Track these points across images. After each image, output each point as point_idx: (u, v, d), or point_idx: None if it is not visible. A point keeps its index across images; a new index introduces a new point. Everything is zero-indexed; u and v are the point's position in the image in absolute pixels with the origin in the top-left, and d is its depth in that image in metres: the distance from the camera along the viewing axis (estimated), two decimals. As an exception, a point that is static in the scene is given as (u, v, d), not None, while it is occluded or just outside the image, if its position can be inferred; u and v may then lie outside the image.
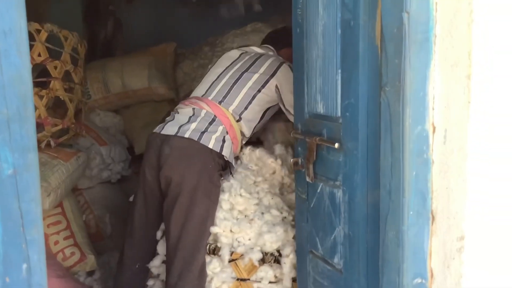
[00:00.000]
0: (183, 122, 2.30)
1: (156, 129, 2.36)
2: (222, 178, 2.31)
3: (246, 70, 2.47)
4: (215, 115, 2.32)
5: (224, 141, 2.28)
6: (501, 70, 1.42)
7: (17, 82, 0.96)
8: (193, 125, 2.27)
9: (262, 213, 2.27)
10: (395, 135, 1.48)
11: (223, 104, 2.37)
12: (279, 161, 2.44)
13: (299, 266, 2.09)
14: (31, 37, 3.23)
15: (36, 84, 3.22)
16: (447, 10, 1.41)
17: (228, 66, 2.52)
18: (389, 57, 1.47)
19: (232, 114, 2.36)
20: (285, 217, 2.29)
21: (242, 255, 2.21)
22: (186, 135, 2.23)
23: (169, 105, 4.04)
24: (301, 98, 1.95)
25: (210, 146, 2.22)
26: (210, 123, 2.30)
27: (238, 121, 2.37)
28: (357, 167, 1.65)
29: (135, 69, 4.07)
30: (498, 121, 1.44)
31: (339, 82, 1.71)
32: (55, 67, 3.30)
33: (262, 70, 2.46)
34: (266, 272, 2.20)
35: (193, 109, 2.36)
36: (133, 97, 4.10)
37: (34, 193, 1.01)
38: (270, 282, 2.23)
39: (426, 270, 1.53)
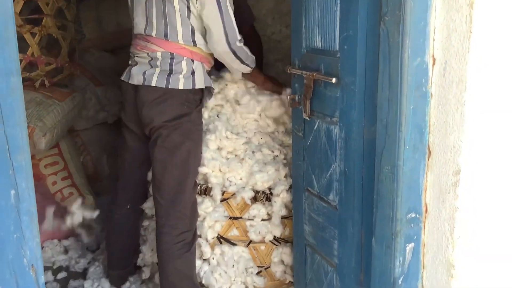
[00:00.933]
0: (146, 68, 2.20)
1: (124, 77, 2.27)
2: (203, 106, 2.27)
3: None
4: (171, 53, 2.18)
5: (193, 73, 2.17)
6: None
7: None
8: (156, 70, 2.17)
9: (253, 152, 2.25)
10: (394, 67, 1.44)
11: (170, 37, 2.18)
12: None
13: (294, 203, 2.09)
14: (23, -26, 3.12)
15: (28, 21, 3.15)
16: None
17: None
18: (390, -15, 1.41)
19: (185, 44, 2.19)
20: (277, 156, 2.27)
21: (233, 194, 2.21)
22: (153, 83, 2.15)
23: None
24: (299, 32, 1.89)
25: (181, 87, 2.14)
26: (171, 64, 2.17)
27: (195, 46, 2.20)
28: (354, 102, 1.62)
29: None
30: (499, 53, 1.39)
31: (337, 13, 1.66)
32: (47, 4, 3.21)
33: None
34: (259, 210, 2.22)
35: (148, 53, 2.22)
36: (128, 36, 4.01)
37: (19, 118, 0.98)
38: (262, 220, 2.24)
39: (421, 205, 1.53)
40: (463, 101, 1.42)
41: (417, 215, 1.53)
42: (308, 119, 1.86)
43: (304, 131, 1.93)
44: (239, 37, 2.16)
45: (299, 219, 2.05)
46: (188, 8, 2.13)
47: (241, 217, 2.26)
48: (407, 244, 1.52)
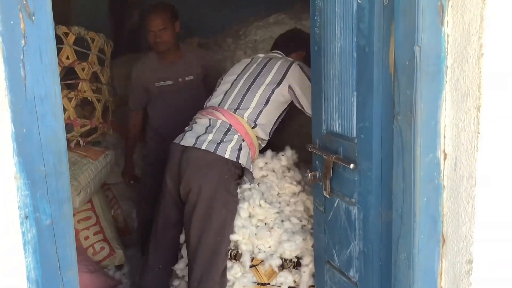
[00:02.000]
0: (201, 133, 2.39)
1: (176, 140, 2.46)
2: (240, 185, 2.40)
3: (258, 75, 2.53)
4: (230, 124, 2.41)
5: (240, 149, 2.36)
6: (511, 103, 1.46)
7: (53, 142, 1.06)
8: (209, 136, 2.36)
9: (282, 221, 2.36)
10: (407, 162, 1.54)
11: (238, 111, 2.45)
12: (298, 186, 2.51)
13: (317, 274, 2.18)
14: (59, 41, 3.34)
15: (64, 86, 3.35)
16: (458, 43, 1.45)
17: (240, 74, 2.60)
18: (401, 87, 1.53)
19: (247, 122, 2.43)
20: (304, 225, 2.37)
21: (262, 261, 2.31)
22: (203, 147, 2.33)
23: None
24: (319, 114, 2.01)
25: (226, 156, 2.30)
26: (226, 133, 2.38)
27: (253, 127, 2.45)
28: (371, 187, 1.72)
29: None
30: (506, 152, 1.48)
31: (354, 104, 1.77)
32: (83, 69, 3.40)
33: (273, 72, 2.52)
34: (286, 278, 2.31)
35: (209, 119, 2.45)
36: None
37: (69, 240, 1.12)
38: (289, 287, 2.33)
39: (437, 290, 1.60)
40: (473, 195, 1.50)
41: (433, 299, 1.60)
42: (328, 196, 1.97)
43: (324, 207, 2.03)
44: None
45: (321, 289, 2.13)
46: (272, 92, 2.47)
47: (268, 283, 2.35)
48: (424, 328, 1.59)
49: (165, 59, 3.26)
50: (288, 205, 2.42)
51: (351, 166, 1.77)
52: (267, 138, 2.53)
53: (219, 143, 2.34)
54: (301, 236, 2.31)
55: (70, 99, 3.33)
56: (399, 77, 1.54)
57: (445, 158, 1.53)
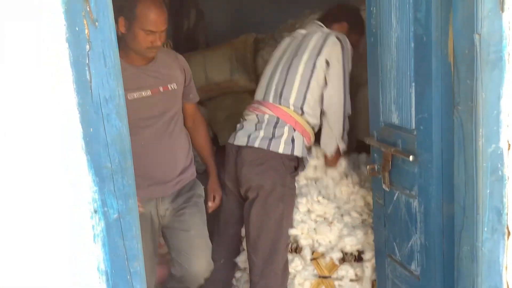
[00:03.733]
0: (251, 131, 2.40)
1: (230, 139, 2.48)
2: (297, 173, 2.41)
3: (294, 57, 2.44)
4: (277, 117, 2.39)
5: (293, 141, 2.35)
6: None
7: (118, 141, 1.12)
8: (261, 133, 2.36)
9: (342, 215, 2.35)
10: (469, 154, 1.50)
11: (283, 102, 2.40)
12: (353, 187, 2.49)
13: (378, 268, 2.16)
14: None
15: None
16: (521, 29, 1.40)
17: (278, 61, 2.52)
18: (461, 77, 1.49)
19: (294, 110, 2.39)
20: (365, 219, 2.35)
21: (323, 254, 2.32)
22: (256, 145, 2.34)
23: (250, 95, 4.17)
24: (377, 106, 2.00)
25: (280, 151, 2.31)
26: (275, 127, 2.37)
27: (301, 114, 2.40)
28: (432, 180, 1.69)
29: (217, 63, 4.22)
30: None
31: (413, 95, 1.74)
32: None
33: (310, 47, 2.42)
34: (347, 271, 2.31)
35: (257, 115, 2.44)
36: (216, 89, 4.27)
37: (135, 232, 1.18)
38: (351, 280, 2.32)
39: (502, 283, 1.56)
40: (540, 186, 1.45)
41: (499, 293, 1.56)
42: (387, 189, 1.95)
43: (384, 200, 2.01)
44: (350, 111, 2.38)
45: (382, 283, 2.12)
46: (313, 70, 2.37)
47: (329, 277, 2.36)
48: (489, 322, 1.56)
49: (136, 61, 2.22)
50: (346, 203, 2.41)
51: (411, 158, 1.75)
52: (318, 121, 2.45)
53: (271, 139, 2.34)
54: (361, 231, 2.30)
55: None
56: (459, 67, 1.50)
57: (509, 148, 1.49)
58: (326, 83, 2.39)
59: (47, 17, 1.08)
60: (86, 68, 1.08)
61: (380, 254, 2.13)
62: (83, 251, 1.15)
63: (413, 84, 1.73)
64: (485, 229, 1.51)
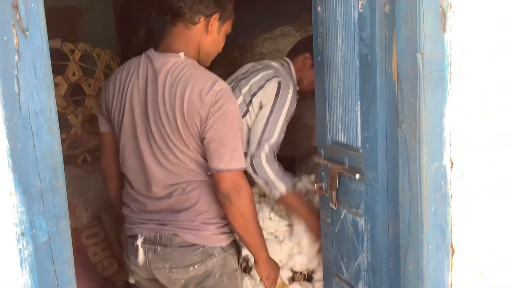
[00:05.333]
0: None
1: None
2: None
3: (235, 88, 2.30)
4: None
5: None
6: (517, 108, 1.43)
7: (48, 157, 1.05)
8: None
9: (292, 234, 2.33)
10: (413, 171, 1.51)
11: None
12: None
13: (326, 287, 2.14)
14: (66, 57, 3.37)
15: (72, 103, 3.37)
16: (462, 48, 1.43)
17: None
18: (405, 95, 1.50)
19: None
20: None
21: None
22: None
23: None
24: (324, 124, 1.99)
25: None
26: None
27: None
28: (378, 198, 1.69)
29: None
30: (515, 158, 1.45)
31: (358, 113, 1.75)
32: (89, 85, 3.43)
33: (247, 87, 2.27)
34: (296, 291, 2.27)
35: None
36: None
37: (67, 256, 1.10)
38: (300, 300, 2.29)
39: (447, 301, 1.56)
40: (482, 204, 1.47)
41: (444, 312, 1.56)
42: (335, 208, 1.94)
43: (331, 218, 2.00)
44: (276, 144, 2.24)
45: (330, 303, 2.09)
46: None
47: (278, 297, 2.31)
48: None
49: None
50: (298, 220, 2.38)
51: (357, 176, 1.74)
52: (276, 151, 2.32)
53: None
54: (312, 249, 2.28)
55: (77, 115, 3.36)
56: (402, 85, 1.51)
57: (452, 166, 1.50)
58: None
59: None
60: (15, 79, 1.01)
61: (328, 273, 2.10)
62: (8, 277, 1.06)
63: (359, 102, 1.74)
64: (430, 247, 1.51)
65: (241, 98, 2.26)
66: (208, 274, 1.78)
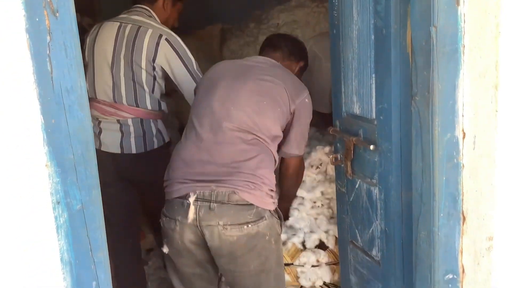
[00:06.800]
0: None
1: None
2: None
3: None
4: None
5: None
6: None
7: (80, 131, 1.12)
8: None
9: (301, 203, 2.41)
10: (425, 142, 1.56)
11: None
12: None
13: (340, 254, 2.22)
14: (85, 32, 3.42)
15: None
16: (475, 22, 1.45)
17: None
18: (418, 68, 1.54)
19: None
20: (319, 207, 2.42)
21: (284, 241, 2.36)
22: None
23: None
24: (339, 96, 2.04)
25: None
26: None
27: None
28: (391, 168, 1.74)
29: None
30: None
31: (373, 86, 1.79)
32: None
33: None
34: (308, 258, 2.35)
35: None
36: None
37: (99, 223, 1.18)
38: (312, 266, 2.38)
39: (458, 267, 1.62)
40: (493, 173, 1.52)
41: (455, 276, 1.62)
42: (350, 178, 2.00)
43: (347, 188, 2.06)
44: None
45: (345, 269, 2.17)
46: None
47: (292, 264, 2.40)
48: (446, 304, 1.62)
49: None
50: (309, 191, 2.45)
51: (371, 147, 1.80)
52: None
53: None
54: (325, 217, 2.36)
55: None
56: (416, 58, 1.55)
57: (464, 137, 1.54)
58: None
59: (5, 6, 1.07)
60: (47, 59, 1.07)
61: (343, 240, 2.18)
62: (46, 242, 1.15)
63: (373, 75, 1.77)
64: (441, 215, 1.57)
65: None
66: (260, 235, 1.86)
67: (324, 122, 2.58)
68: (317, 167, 2.48)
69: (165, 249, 1.95)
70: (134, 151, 2.38)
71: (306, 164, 2.42)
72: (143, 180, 2.46)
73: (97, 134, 2.40)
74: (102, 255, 1.20)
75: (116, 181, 2.41)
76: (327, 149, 2.46)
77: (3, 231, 1.14)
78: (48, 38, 1.07)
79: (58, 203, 1.13)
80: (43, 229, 1.14)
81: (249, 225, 1.83)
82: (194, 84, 2.29)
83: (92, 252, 1.18)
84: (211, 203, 1.83)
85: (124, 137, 2.39)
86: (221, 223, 1.82)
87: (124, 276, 2.59)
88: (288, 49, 2.27)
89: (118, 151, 2.39)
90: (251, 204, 1.84)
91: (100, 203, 1.19)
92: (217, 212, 1.82)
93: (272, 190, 1.92)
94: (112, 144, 2.39)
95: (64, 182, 1.12)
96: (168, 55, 2.35)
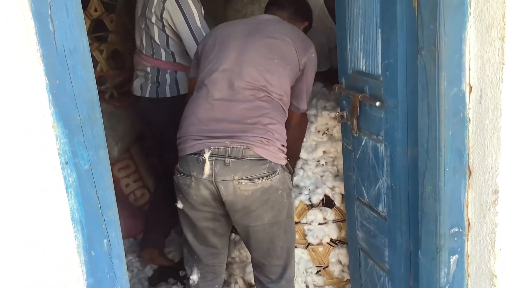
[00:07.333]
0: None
1: None
2: None
3: None
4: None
5: None
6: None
7: (84, 92, 1.13)
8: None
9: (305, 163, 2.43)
10: (431, 97, 1.55)
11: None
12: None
13: (347, 211, 2.24)
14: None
15: (95, 39, 3.42)
16: (483, -28, 1.42)
17: None
18: (425, 22, 1.52)
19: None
20: (323, 164, 2.44)
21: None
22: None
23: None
24: (344, 53, 2.02)
25: None
26: None
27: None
28: (397, 124, 1.74)
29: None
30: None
31: (379, 41, 1.77)
32: (111, 21, 3.46)
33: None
34: (315, 215, 2.38)
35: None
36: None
37: (107, 182, 1.20)
38: (319, 224, 2.41)
39: (463, 220, 1.64)
40: (499, 126, 1.51)
41: (460, 229, 1.64)
42: (356, 135, 2.00)
43: (353, 145, 2.07)
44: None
45: (352, 225, 2.20)
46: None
47: (299, 222, 2.43)
48: (451, 256, 1.65)
49: None
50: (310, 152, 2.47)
51: (377, 103, 1.79)
52: None
53: None
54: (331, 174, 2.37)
55: (101, 52, 3.41)
56: (422, 12, 1.52)
57: (470, 91, 1.53)
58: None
59: (5, -33, 1.05)
60: (49, 19, 1.07)
61: (349, 197, 2.20)
62: (57, 202, 1.17)
63: (379, 30, 1.75)
64: (447, 169, 1.57)
65: None
66: (273, 189, 1.92)
67: (327, 79, 2.59)
68: (324, 133, 2.48)
69: (180, 205, 2.01)
70: (147, 95, 2.74)
71: (312, 128, 2.44)
72: (156, 122, 2.78)
73: (133, 80, 2.86)
74: (112, 214, 1.22)
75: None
76: (333, 114, 2.45)
77: (14, 193, 1.16)
78: (49, -3, 1.06)
79: (67, 163, 1.14)
80: (53, 189, 1.16)
81: (263, 179, 1.88)
82: (193, 40, 2.54)
83: (102, 210, 1.20)
84: (226, 158, 1.87)
85: (144, 82, 2.76)
86: (236, 177, 1.87)
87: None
88: (293, 7, 2.30)
89: (139, 94, 2.78)
90: (265, 159, 1.89)
91: (108, 163, 1.21)
92: (232, 167, 1.86)
93: (284, 146, 1.98)
94: (136, 88, 2.81)
95: (71, 142, 1.13)
96: (171, 10, 2.54)
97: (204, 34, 2.49)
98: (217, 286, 2.19)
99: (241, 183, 1.87)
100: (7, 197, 1.13)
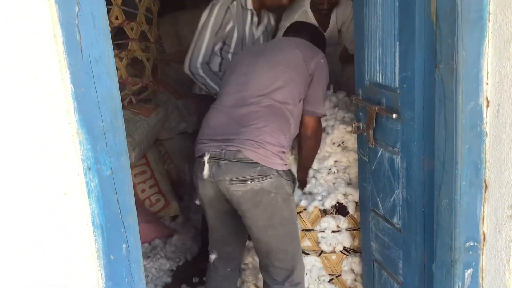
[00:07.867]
0: None
1: None
2: None
3: None
4: None
5: None
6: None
7: (108, 100, 1.16)
8: None
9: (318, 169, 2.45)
10: (449, 111, 1.56)
11: None
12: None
13: (362, 221, 2.25)
14: (108, 1, 3.44)
15: (115, 47, 3.47)
16: (502, -12, 1.43)
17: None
18: (443, 36, 1.53)
19: None
20: (335, 172, 2.46)
21: (305, 208, 2.40)
22: None
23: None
24: (362, 65, 2.03)
25: None
26: None
27: None
28: (414, 136, 1.75)
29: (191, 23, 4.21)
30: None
31: (397, 54, 1.78)
32: (132, 29, 3.50)
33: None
34: (329, 223, 2.39)
35: None
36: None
37: (128, 188, 1.23)
38: (332, 231, 2.42)
39: (479, 234, 1.64)
40: (516, 142, 1.51)
41: (475, 243, 1.64)
42: (372, 146, 2.01)
43: (368, 157, 2.08)
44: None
45: (366, 236, 2.21)
46: None
47: (312, 229, 2.44)
48: (466, 270, 1.65)
49: None
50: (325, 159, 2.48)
51: (394, 116, 1.80)
52: None
53: None
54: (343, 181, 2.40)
55: (121, 59, 3.45)
56: (441, 25, 1.54)
57: (487, 105, 1.54)
58: None
59: (35, -22, 1.09)
60: (76, 29, 1.10)
61: (364, 208, 2.21)
62: (78, 206, 1.20)
63: (397, 43, 1.77)
64: (463, 183, 1.58)
65: None
66: (264, 192, 1.98)
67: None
68: (339, 145, 2.50)
69: (197, 202, 2.18)
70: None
71: (327, 140, 2.46)
72: None
73: None
74: (132, 219, 1.25)
75: None
76: (349, 128, 2.47)
77: (40, 197, 1.20)
78: (77, 8, 1.09)
79: (89, 169, 1.17)
80: (75, 194, 1.19)
81: (253, 182, 1.96)
82: None
83: (122, 216, 1.23)
84: (220, 161, 1.99)
85: None
86: (227, 178, 1.97)
87: None
88: (309, 35, 2.44)
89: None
90: (256, 163, 1.96)
91: (129, 169, 1.24)
92: (224, 169, 1.98)
93: (283, 152, 2.04)
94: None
95: (94, 149, 1.16)
96: None
97: None
98: (231, 267, 2.33)
99: (232, 183, 1.97)
100: (34, 201, 1.17)
